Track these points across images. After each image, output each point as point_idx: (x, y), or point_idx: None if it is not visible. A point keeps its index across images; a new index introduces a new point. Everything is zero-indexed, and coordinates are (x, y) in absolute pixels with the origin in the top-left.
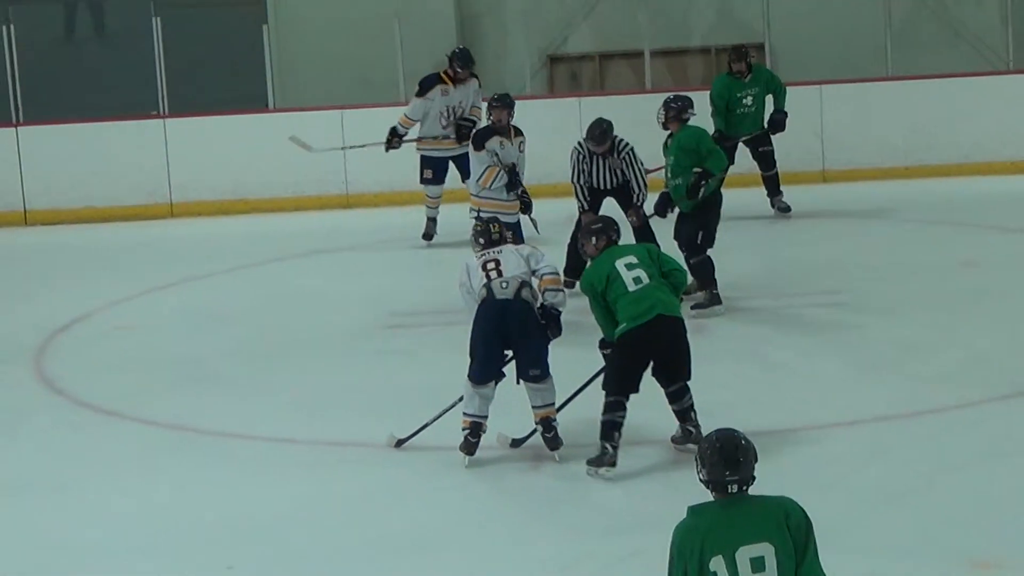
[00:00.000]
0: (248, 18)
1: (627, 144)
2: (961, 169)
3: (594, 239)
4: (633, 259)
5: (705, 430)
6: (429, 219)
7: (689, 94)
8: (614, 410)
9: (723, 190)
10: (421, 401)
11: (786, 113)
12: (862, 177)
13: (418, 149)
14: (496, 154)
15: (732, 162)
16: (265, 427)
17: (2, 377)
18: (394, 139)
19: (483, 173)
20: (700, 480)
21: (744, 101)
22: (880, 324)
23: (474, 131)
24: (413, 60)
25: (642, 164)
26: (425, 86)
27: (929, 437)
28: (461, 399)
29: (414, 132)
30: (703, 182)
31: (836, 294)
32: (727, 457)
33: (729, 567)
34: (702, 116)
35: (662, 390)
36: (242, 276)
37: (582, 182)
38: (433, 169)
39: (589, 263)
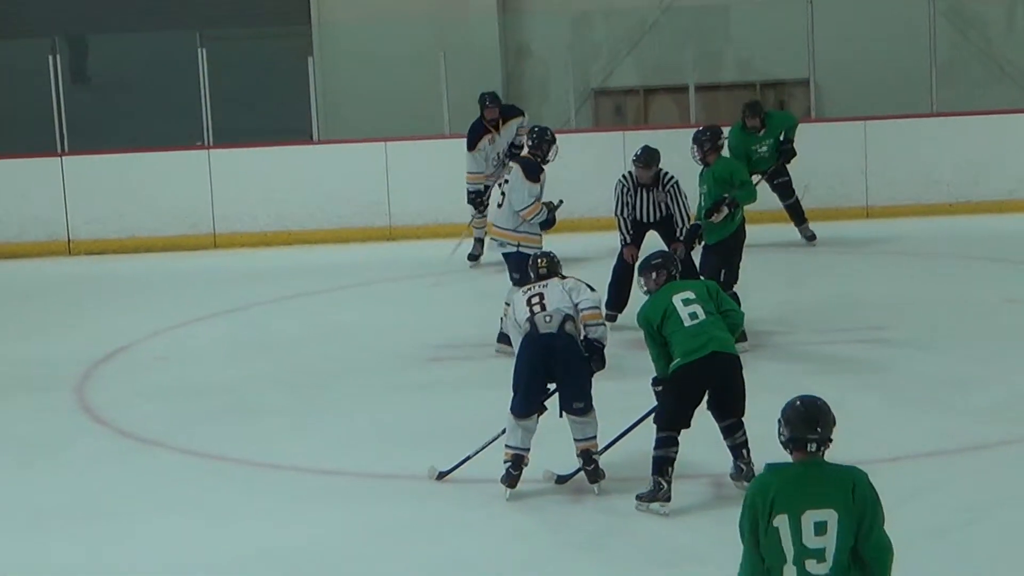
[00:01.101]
0: (293, 50)
1: (672, 177)
2: (1006, 205)
3: (654, 275)
4: (690, 295)
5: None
6: (476, 240)
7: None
8: (667, 445)
9: (761, 225)
10: (463, 434)
11: (792, 140)
12: (906, 213)
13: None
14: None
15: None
16: (306, 458)
17: (45, 405)
18: (477, 200)
19: (530, 205)
20: (780, 441)
21: (759, 151)
22: (924, 360)
23: (528, 162)
24: (458, 93)
25: (686, 198)
26: (473, 140)
27: (973, 473)
28: (503, 432)
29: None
30: (725, 207)
31: (879, 329)
32: (809, 418)
33: (792, 527)
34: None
35: (711, 425)
36: (284, 307)
37: (625, 215)
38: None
39: (647, 299)
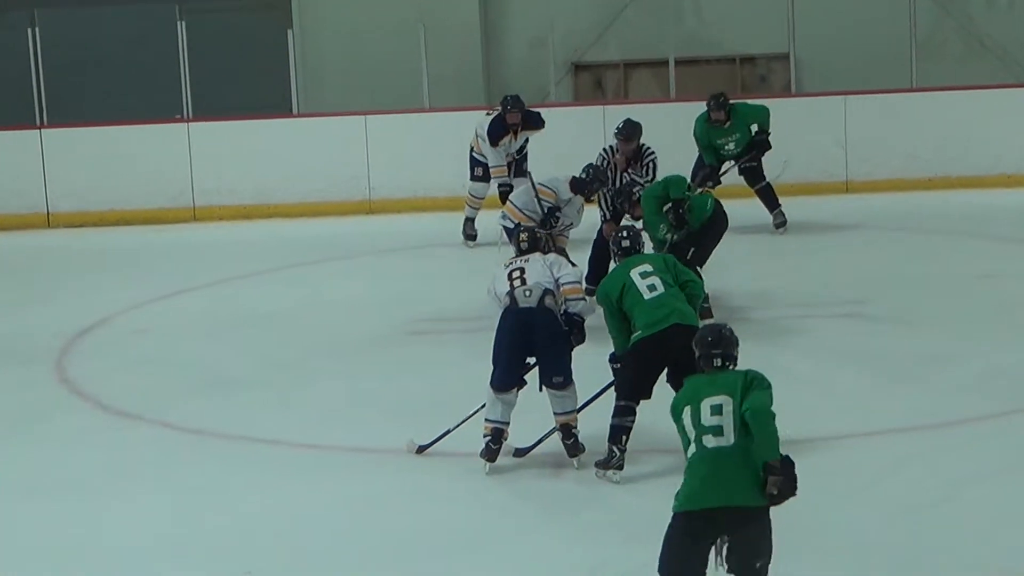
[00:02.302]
0: (273, 23)
1: (652, 153)
2: (984, 181)
3: (615, 249)
4: (648, 267)
5: None
6: (468, 219)
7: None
8: (624, 415)
9: (741, 200)
10: (443, 407)
11: (768, 133)
12: (885, 188)
13: (474, 152)
14: (569, 208)
15: (720, 181)
16: (285, 432)
17: (24, 379)
18: (510, 191)
19: (553, 191)
20: (696, 361)
21: (727, 147)
22: (901, 335)
23: (580, 181)
24: (437, 66)
25: (652, 179)
26: (495, 137)
27: (951, 448)
28: (483, 406)
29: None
30: (680, 210)
31: (857, 304)
32: (712, 340)
33: (693, 413)
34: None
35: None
36: (264, 281)
37: (606, 190)
38: (483, 168)
39: (606, 275)
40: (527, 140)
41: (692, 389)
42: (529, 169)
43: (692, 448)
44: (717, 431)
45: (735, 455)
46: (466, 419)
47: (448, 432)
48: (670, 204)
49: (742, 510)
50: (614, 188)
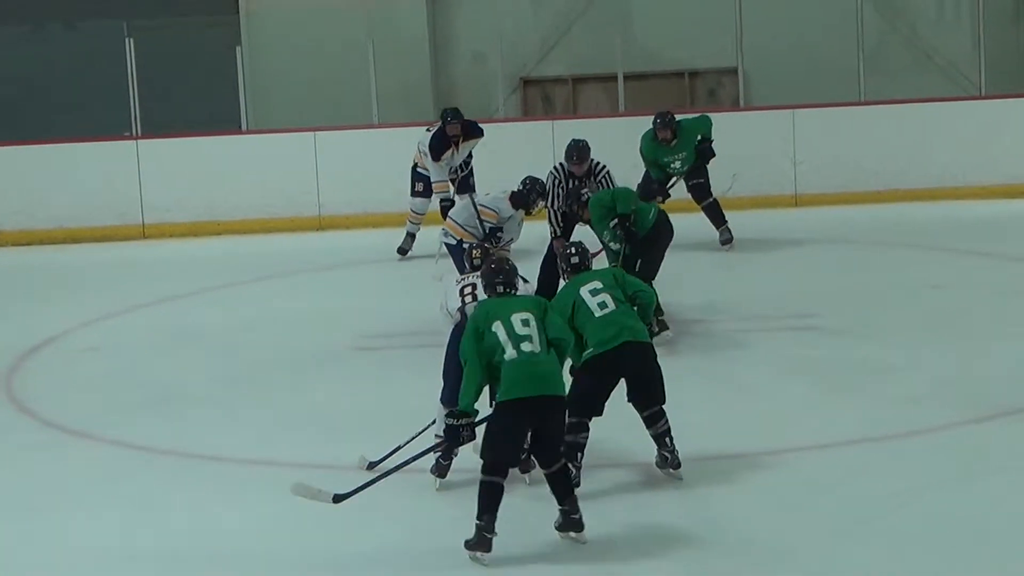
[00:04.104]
0: (221, 40)
1: (604, 167)
2: (932, 194)
3: (564, 266)
4: (598, 284)
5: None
6: (409, 235)
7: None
8: (578, 431)
9: (691, 215)
10: (393, 424)
11: (711, 140)
12: (834, 201)
13: (418, 167)
14: (510, 224)
15: (669, 195)
16: (235, 449)
17: None
18: (451, 207)
19: (492, 210)
20: (482, 289)
21: (673, 165)
22: (850, 347)
23: (520, 195)
24: (386, 82)
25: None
26: (438, 152)
27: (899, 459)
28: (433, 422)
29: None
30: (627, 225)
31: (806, 317)
32: (496, 269)
33: (506, 325)
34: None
35: (637, 414)
36: (213, 298)
37: (556, 207)
38: (424, 183)
39: (557, 293)
40: (471, 154)
41: (494, 308)
42: (474, 184)
43: (510, 352)
44: (529, 340)
45: (545, 357)
46: (416, 435)
47: (398, 448)
48: (616, 219)
49: (551, 398)
50: (562, 202)
